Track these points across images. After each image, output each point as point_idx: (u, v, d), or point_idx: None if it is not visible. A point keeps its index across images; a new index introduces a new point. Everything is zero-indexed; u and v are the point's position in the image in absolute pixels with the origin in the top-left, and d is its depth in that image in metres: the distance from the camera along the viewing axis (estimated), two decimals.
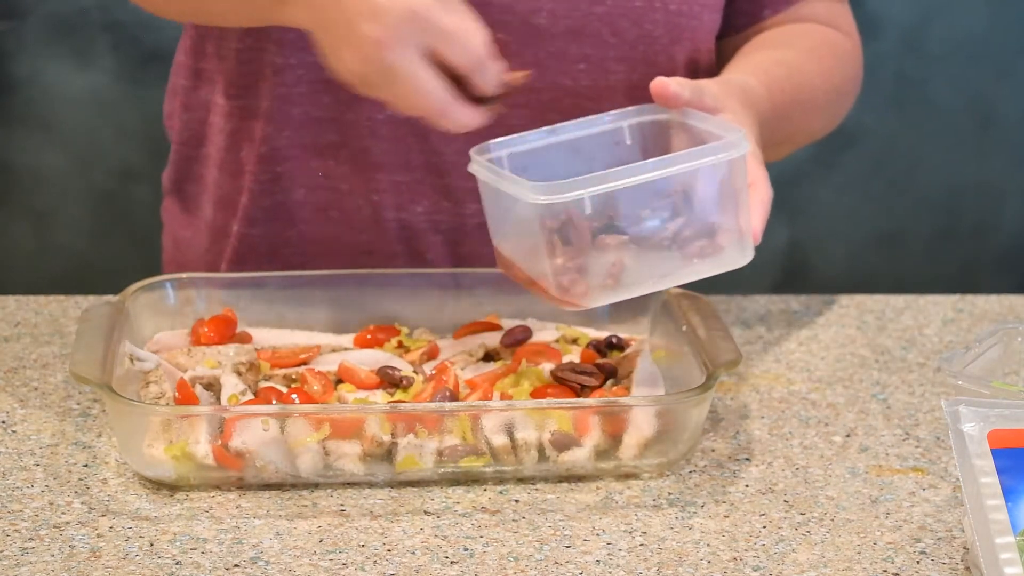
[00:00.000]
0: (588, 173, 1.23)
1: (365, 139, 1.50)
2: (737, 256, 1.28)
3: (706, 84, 1.35)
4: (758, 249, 1.30)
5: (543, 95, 1.50)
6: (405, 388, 1.29)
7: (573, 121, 1.35)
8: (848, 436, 1.33)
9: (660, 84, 1.31)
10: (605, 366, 1.32)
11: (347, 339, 1.39)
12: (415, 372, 1.32)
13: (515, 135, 1.34)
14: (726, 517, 1.20)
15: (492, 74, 1.26)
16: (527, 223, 1.25)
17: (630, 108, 1.36)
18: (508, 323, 1.40)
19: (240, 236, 1.55)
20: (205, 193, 1.59)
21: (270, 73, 1.50)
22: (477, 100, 1.27)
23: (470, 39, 1.24)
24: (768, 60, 1.48)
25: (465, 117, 1.26)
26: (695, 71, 1.54)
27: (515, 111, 1.49)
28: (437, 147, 1.51)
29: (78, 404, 1.34)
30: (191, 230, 1.61)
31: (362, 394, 1.29)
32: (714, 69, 1.55)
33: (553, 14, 1.48)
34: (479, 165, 1.30)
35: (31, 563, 1.11)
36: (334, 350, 1.37)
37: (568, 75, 1.50)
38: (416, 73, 1.23)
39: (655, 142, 1.34)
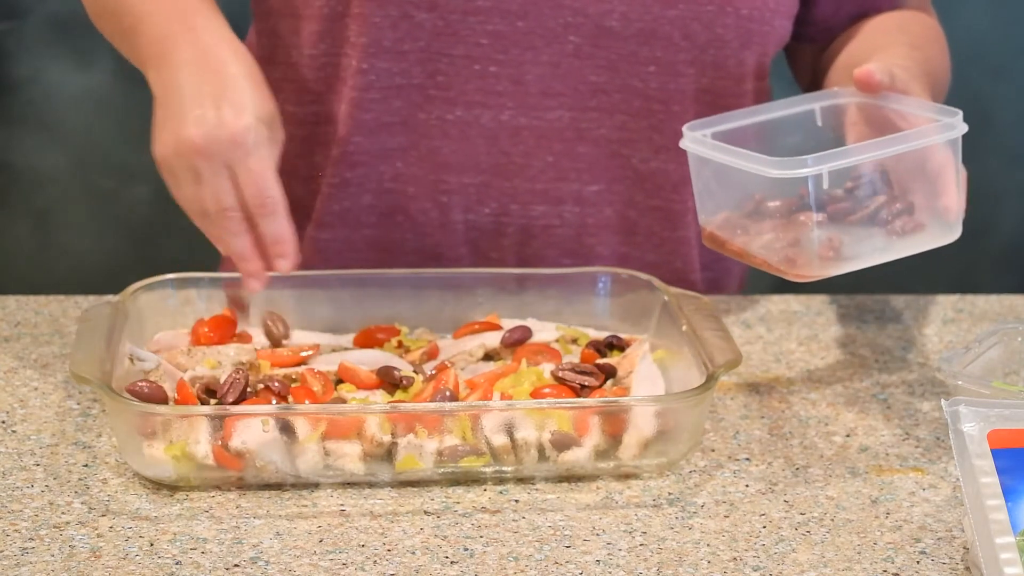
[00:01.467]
0: (783, 152, 1.27)
1: (435, 140, 1.51)
2: (947, 233, 1.30)
3: (896, 68, 1.35)
4: None
5: (613, 96, 1.51)
6: (405, 388, 1.29)
7: (767, 104, 1.38)
8: (848, 436, 1.33)
9: (865, 72, 1.32)
10: (605, 366, 1.32)
11: (347, 339, 1.39)
12: (415, 372, 1.32)
13: (716, 116, 1.36)
14: (726, 517, 1.20)
15: (279, 224, 1.28)
16: (767, 192, 1.28)
17: (822, 91, 1.38)
18: (508, 323, 1.40)
19: (310, 240, 1.56)
20: None
21: (346, 77, 1.50)
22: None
23: (269, 187, 1.28)
24: (903, 50, 1.48)
25: (240, 248, 1.30)
26: (762, 77, 1.55)
27: (586, 113, 1.50)
28: (506, 148, 1.51)
29: (78, 404, 1.34)
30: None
31: (362, 394, 1.29)
32: (767, 75, 1.57)
33: (625, 17, 1.49)
34: (696, 142, 1.32)
35: (31, 563, 1.11)
36: (334, 350, 1.36)
37: (638, 77, 1.51)
38: (220, 185, 1.28)
39: (846, 124, 1.36)
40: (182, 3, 1.34)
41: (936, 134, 1.28)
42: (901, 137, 1.27)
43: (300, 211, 1.57)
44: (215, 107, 1.27)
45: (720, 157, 1.30)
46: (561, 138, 1.52)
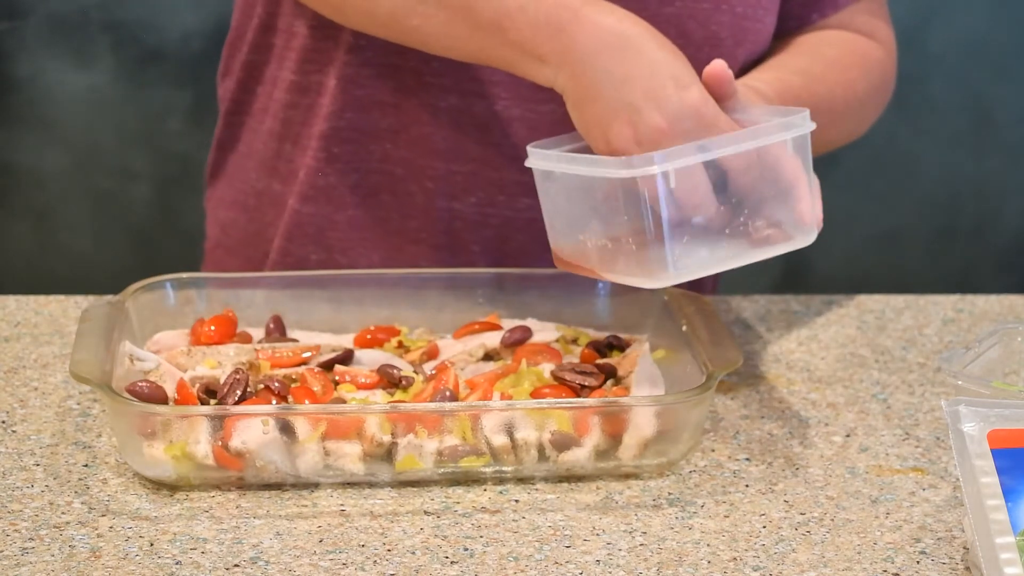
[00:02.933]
0: None
1: (426, 126, 1.51)
2: (801, 237, 1.28)
3: (743, 87, 1.35)
4: None
5: None
6: (405, 388, 1.29)
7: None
8: (848, 436, 1.33)
9: (721, 67, 1.30)
10: (605, 366, 1.32)
11: (347, 339, 1.39)
12: (415, 372, 1.32)
13: (555, 138, 1.33)
14: (726, 517, 1.20)
15: (754, 174, 1.25)
16: (612, 199, 1.25)
17: None
18: (508, 323, 1.40)
19: (292, 212, 1.55)
20: (254, 161, 1.59)
21: (343, 51, 1.50)
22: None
23: (742, 143, 1.25)
24: (787, 68, 1.48)
25: (710, 211, 1.25)
26: None
27: None
28: (497, 140, 1.51)
29: (78, 404, 1.34)
30: (236, 208, 1.62)
31: (362, 394, 1.29)
32: None
33: None
34: (540, 157, 1.30)
35: (31, 563, 1.11)
36: (334, 350, 1.37)
37: None
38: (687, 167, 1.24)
39: None
40: None
41: (784, 131, 1.25)
42: (749, 132, 1.25)
43: (283, 179, 1.56)
44: (662, 84, 1.25)
45: (564, 167, 1.28)
46: (553, 131, 1.51)
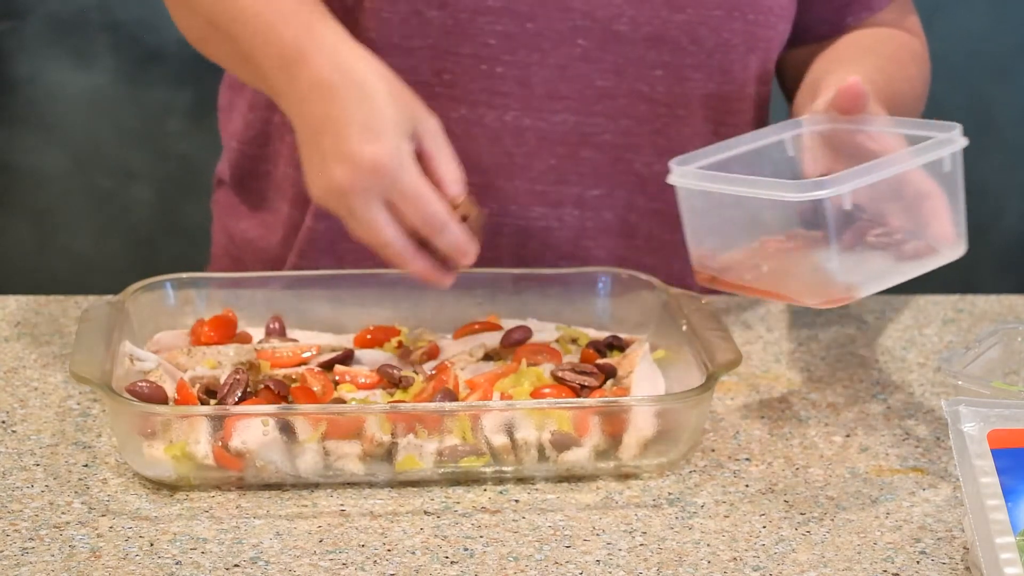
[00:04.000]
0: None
1: None
2: (953, 249, 1.30)
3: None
4: None
5: (619, 101, 1.51)
6: (405, 388, 1.29)
7: (738, 137, 1.37)
8: (848, 436, 1.33)
9: (855, 85, 1.31)
10: (605, 366, 1.32)
11: (347, 339, 1.39)
12: (415, 372, 1.32)
13: (692, 152, 1.34)
14: (726, 517, 1.20)
15: (450, 236, 1.26)
16: (777, 222, 1.27)
17: (788, 121, 1.37)
18: (508, 323, 1.40)
19: (308, 230, 1.56)
20: (274, 189, 1.59)
21: None
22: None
23: (427, 205, 1.24)
24: (869, 67, 1.48)
25: (419, 268, 1.27)
26: (765, 81, 1.55)
27: (591, 117, 1.50)
28: (509, 149, 1.51)
29: (78, 404, 1.34)
30: (252, 224, 1.62)
31: (362, 394, 1.29)
32: (770, 80, 1.57)
33: (634, 21, 1.48)
34: (692, 176, 1.31)
35: (31, 563, 1.11)
36: (334, 350, 1.36)
37: (645, 81, 1.51)
38: (375, 220, 1.24)
39: (821, 151, 1.35)
40: (297, 20, 1.29)
41: (940, 149, 1.27)
42: (914, 151, 1.27)
43: (305, 204, 1.57)
44: (351, 138, 1.23)
45: (726, 188, 1.28)
46: (565, 141, 1.52)
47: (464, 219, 1.27)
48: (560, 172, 1.53)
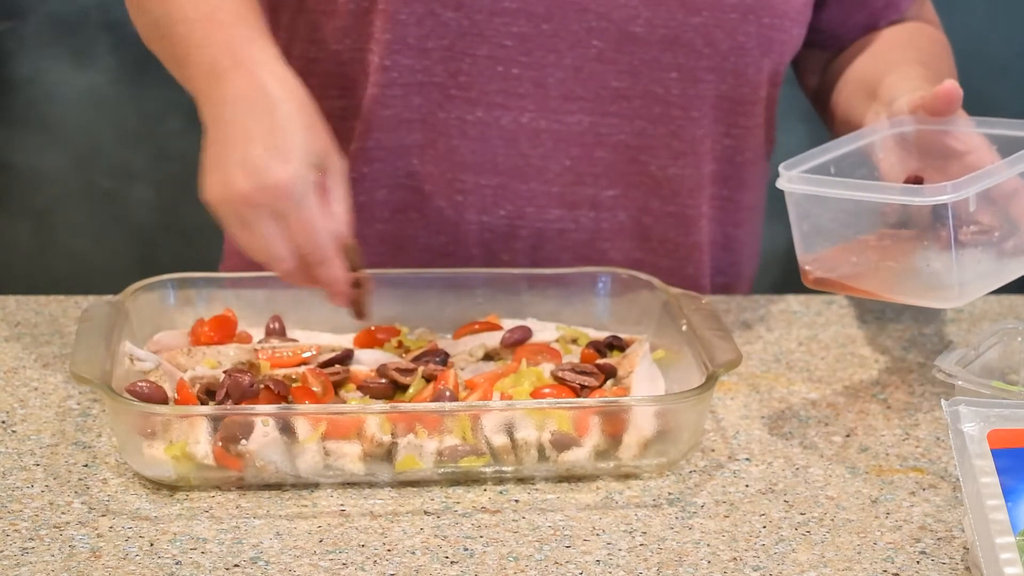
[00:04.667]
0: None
1: (454, 139, 1.51)
2: None
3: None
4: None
5: (633, 102, 1.51)
6: (404, 388, 1.29)
7: (837, 140, 1.37)
8: (848, 436, 1.33)
9: (953, 88, 1.32)
10: (605, 366, 1.32)
11: (347, 339, 1.39)
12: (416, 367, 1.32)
13: (794, 158, 1.35)
14: (726, 517, 1.20)
15: (330, 271, 1.26)
16: (872, 223, 1.29)
17: (879, 122, 1.38)
18: (508, 323, 1.40)
19: None
20: None
21: (369, 72, 1.50)
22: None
23: (319, 236, 1.25)
24: (918, 66, 1.49)
25: (301, 283, 1.28)
26: (776, 83, 1.56)
27: (606, 118, 1.50)
28: (524, 151, 1.51)
29: (78, 404, 1.34)
30: None
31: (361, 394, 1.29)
32: (781, 82, 1.58)
33: (649, 22, 1.49)
34: (803, 181, 1.31)
35: (31, 563, 1.11)
36: (334, 350, 1.36)
37: (659, 83, 1.51)
38: (269, 235, 1.24)
39: (904, 152, 1.36)
40: (233, 32, 1.30)
41: None
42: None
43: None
44: (262, 153, 1.23)
45: (843, 193, 1.29)
46: (580, 142, 1.52)
47: (350, 265, 1.28)
48: (575, 173, 1.53)
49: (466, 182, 1.52)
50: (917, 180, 1.32)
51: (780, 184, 1.32)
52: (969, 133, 1.32)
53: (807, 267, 1.33)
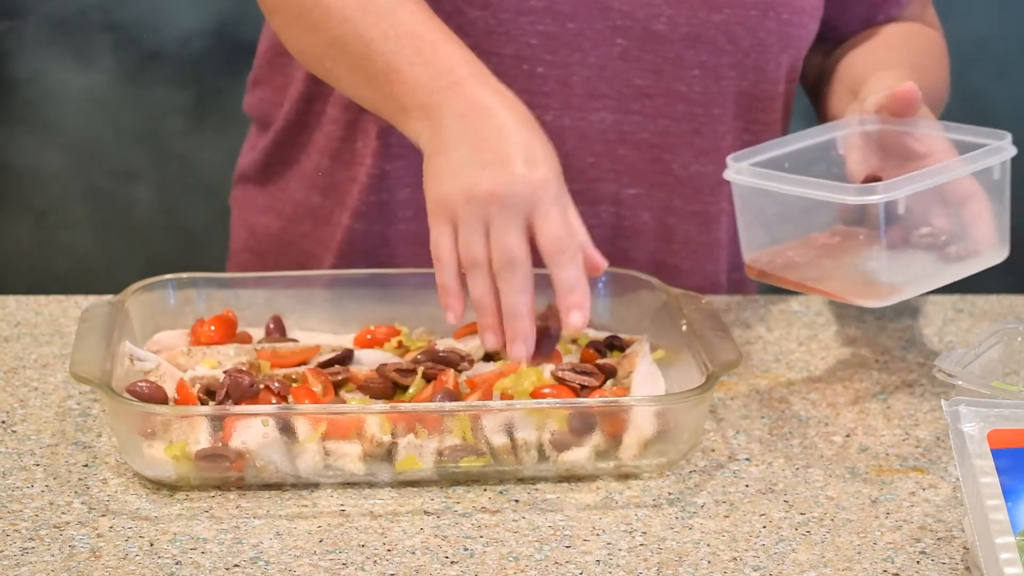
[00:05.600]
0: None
1: None
2: (996, 253, 1.33)
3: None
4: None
5: (656, 100, 1.52)
6: (404, 388, 1.29)
7: (793, 135, 1.38)
8: (848, 436, 1.33)
9: (912, 91, 1.34)
10: (605, 366, 1.32)
11: (347, 339, 1.39)
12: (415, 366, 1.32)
13: (748, 148, 1.36)
14: (726, 517, 1.20)
15: (578, 264, 1.25)
16: (825, 220, 1.31)
17: (839, 120, 1.40)
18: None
19: (345, 229, 1.56)
20: (301, 178, 1.59)
21: None
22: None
23: (573, 231, 1.25)
24: (906, 68, 1.49)
25: (526, 294, 1.25)
26: (793, 79, 1.57)
27: (629, 116, 1.50)
28: None
29: (78, 404, 1.34)
30: (273, 217, 1.62)
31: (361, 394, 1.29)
32: (797, 77, 1.58)
33: (672, 20, 1.49)
34: (748, 173, 1.32)
35: (31, 563, 1.11)
36: (334, 350, 1.36)
37: (682, 81, 1.51)
38: (513, 235, 1.24)
39: (868, 151, 1.37)
40: (445, 53, 1.31)
41: (991, 157, 1.31)
42: (966, 159, 1.29)
43: (335, 196, 1.57)
44: (508, 160, 1.24)
45: (784, 188, 1.30)
46: (603, 140, 1.52)
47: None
48: (598, 170, 1.53)
49: None
50: (875, 179, 1.33)
51: (726, 175, 1.33)
52: (933, 136, 1.34)
53: (749, 260, 1.34)
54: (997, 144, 1.33)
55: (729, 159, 1.34)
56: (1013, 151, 1.33)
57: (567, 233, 1.24)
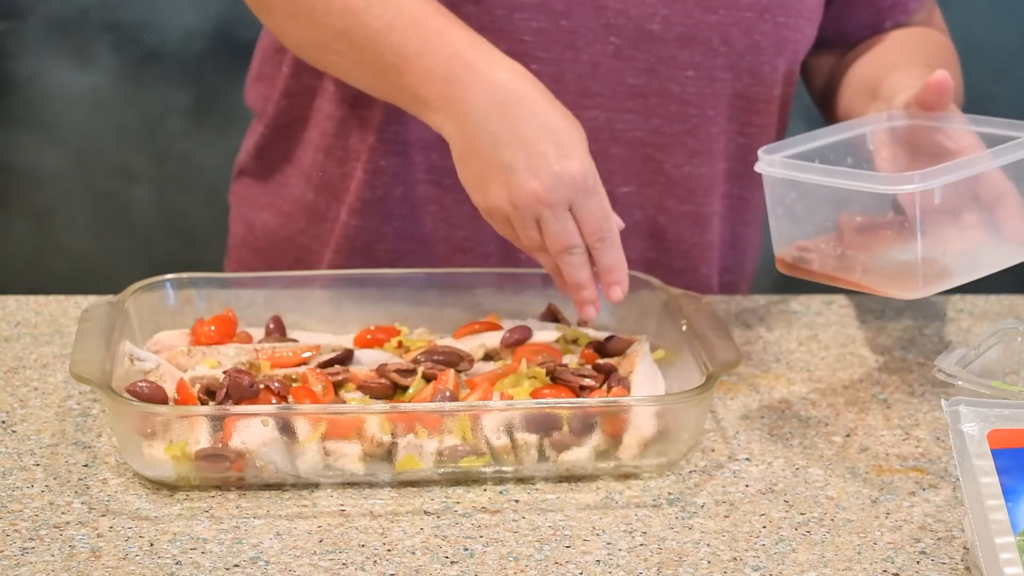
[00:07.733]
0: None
1: None
2: (1015, 251, 1.31)
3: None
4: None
5: (650, 100, 1.52)
6: (404, 388, 1.29)
7: (823, 129, 1.38)
8: (848, 436, 1.33)
9: (944, 79, 1.34)
10: (605, 366, 1.32)
11: (347, 339, 1.39)
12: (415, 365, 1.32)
13: (777, 143, 1.36)
14: (726, 517, 1.20)
15: (615, 253, 1.32)
16: (855, 211, 1.31)
17: (869, 116, 1.39)
18: (508, 323, 1.40)
19: (343, 225, 1.56)
20: (298, 176, 1.59)
21: None
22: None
23: (608, 220, 1.31)
24: (922, 68, 1.48)
25: (585, 277, 1.32)
26: (790, 82, 1.56)
27: (622, 115, 1.51)
28: None
29: (78, 404, 1.34)
30: (272, 213, 1.62)
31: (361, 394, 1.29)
32: (795, 81, 1.58)
33: (667, 20, 1.49)
34: (780, 164, 1.32)
35: (31, 563, 1.11)
36: (334, 350, 1.36)
37: (675, 81, 1.51)
38: (567, 227, 1.30)
39: (898, 147, 1.37)
40: (451, 39, 1.33)
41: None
42: (1000, 151, 1.28)
43: (331, 192, 1.57)
44: (548, 151, 1.29)
45: (814, 178, 1.30)
46: (595, 138, 1.52)
47: None
48: None
49: None
50: None
51: (759, 168, 1.33)
52: (962, 133, 1.33)
53: (779, 254, 1.34)
54: None
55: (761, 152, 1.34)
56: None
57: (605, 219, 1.31)
